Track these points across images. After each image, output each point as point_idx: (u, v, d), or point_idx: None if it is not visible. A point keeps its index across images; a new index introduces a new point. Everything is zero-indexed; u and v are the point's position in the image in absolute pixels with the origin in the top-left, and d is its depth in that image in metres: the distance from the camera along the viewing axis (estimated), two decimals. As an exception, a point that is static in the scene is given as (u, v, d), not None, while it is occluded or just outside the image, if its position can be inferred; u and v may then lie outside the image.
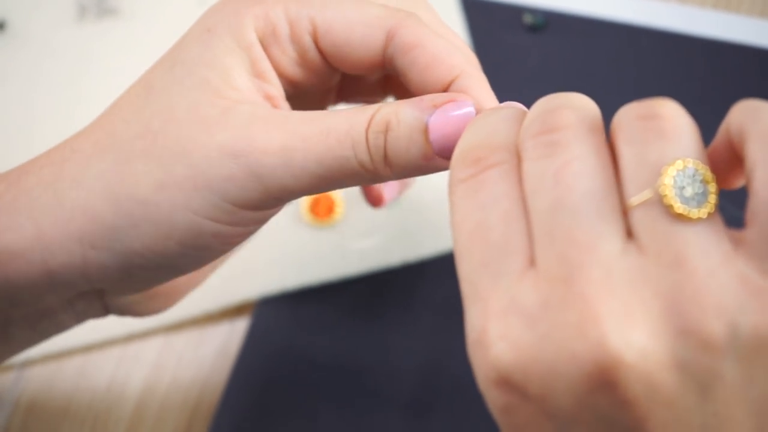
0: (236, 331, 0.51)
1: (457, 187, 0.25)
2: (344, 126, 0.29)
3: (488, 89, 0.31)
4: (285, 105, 0.32)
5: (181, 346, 0.51)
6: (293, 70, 0.32)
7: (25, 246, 0.30)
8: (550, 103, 0.26)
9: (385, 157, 0.30)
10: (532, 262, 0.24)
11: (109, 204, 0.30)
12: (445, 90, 0.31)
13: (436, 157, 0.30)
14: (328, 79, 0.34)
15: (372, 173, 0.30)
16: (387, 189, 0.37)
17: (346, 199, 0.51)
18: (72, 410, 0.50)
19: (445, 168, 0.30)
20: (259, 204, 0.30)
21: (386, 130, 0.29)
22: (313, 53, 0.32)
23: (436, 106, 0.29)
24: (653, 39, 0.56)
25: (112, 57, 0.55)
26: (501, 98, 0.54)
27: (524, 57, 0.56)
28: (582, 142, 0.24)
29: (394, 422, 0.47)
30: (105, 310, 0.36)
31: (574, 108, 0.25)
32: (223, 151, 0.29)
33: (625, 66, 0.55)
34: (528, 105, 0.30)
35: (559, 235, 0.23)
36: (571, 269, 0.22)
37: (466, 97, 0.30)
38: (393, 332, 0.49)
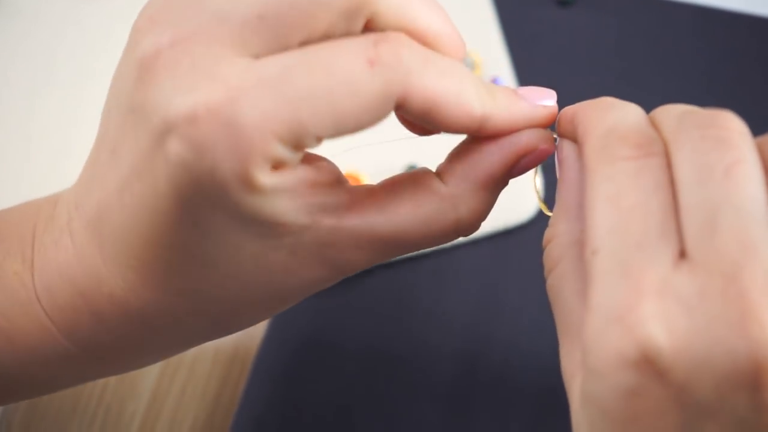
0: (258, 320, 0.48)
1: (619, 163, 0.25)
2: (427, 239, 0.29)
3: (520, 110, 0.29)
4: (320, 169, 0.28)
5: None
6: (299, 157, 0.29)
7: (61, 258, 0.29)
8: (692, 109, 0.26)
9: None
10: (682, 253, 0.24)
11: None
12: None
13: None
14: None
15: None
16: None
17: (371, 178, 0.49)
18: (81, 405, 0.47)
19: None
20: None
21: (482, 219, 0.29)
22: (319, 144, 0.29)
23: (511, 169, 0.29)
24: (687, 14, 0.54)
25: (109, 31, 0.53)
26: (530, 75, 0.52)
27: (553, 32, 0.54)
28: (750, 148, 0.24)
29: (431, 412, 0.45)
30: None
31: (736, 117, 0.25)
32: (310, 282, 0.28)
33: (657, 42, 0.54)
34: (558, 82, 0.30)
35: (723, 230, 0.23)
36: (733, 266, 0.22)
37: (526, 142, 0.29)
38: (425, 320, 0.47)
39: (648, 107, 0.29)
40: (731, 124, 0.24)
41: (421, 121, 0.27)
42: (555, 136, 0.30)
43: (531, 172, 0.30)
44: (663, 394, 0.23)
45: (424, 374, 0.46)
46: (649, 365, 0.22)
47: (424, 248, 0.29)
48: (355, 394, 0.46)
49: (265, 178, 0.25)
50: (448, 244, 0.48)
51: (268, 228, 0.26)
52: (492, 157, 0.29)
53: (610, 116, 0.26)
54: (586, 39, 0.54)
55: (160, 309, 0.28)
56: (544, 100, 0.29)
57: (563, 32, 0.54)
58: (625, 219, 0.24)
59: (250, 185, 0.25)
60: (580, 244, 0.27)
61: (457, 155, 0.29)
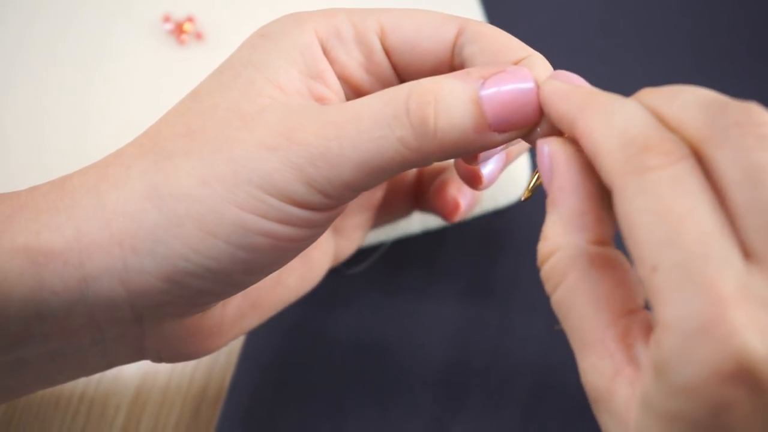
0: (243, 308, 0.47)
1: (647, 174, 0.24)
2: (377, 104, 0.29)
3: (549, 69, 0.30)
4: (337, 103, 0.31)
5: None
6: (359, 75, 0.32)
7: (63, 246, 0.29)
8: (718, 97, 0.25)
9: (435, 129, 0.28)
10: (748, 255, 0.23)
11: (150, 202, 0.29)
12: None
13: (489, 130, 0.29)
14: None
15: (417, 151, 0.29)
16: (486, 166, 0.35)
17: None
18: (63, 400, 0.46)
19: (495, 145, 0.29)
20: (307, 200, 0.29)
21: (434, 101, 0.28)
22: (379, 55, 0.32)
23: (484, 77, 0.29)
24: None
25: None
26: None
27: (537, 13, 0.53)
28: None
29: (422, 398, 0.44)
30: (139, 349, 0.33)
31: (764, 109, 0.24)
32: (261, 146, 0.29)
33: (642, 22, 0.54)
34: (552, 63, 0.30)
35: None
36: None
37: (517, 67, 0.29)
38: (416, 303, 0.46)
39: (633, 87, 0.28)
40: (763, 117, 0.24)
41: (473, 55, 0.30)
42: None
43: (523, 163, 0.30)
44: (758, 403, 0.22)
45: (414, 359, 0.45)
46: (747, 375, 0.22)
47: (375, 135, 0.28)
48: (345, 381, 0.45)
49: (313, 32, 0.31)
50: (436, 224, 0.47)
51: (266, 76, 0.30)
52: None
53: (616, 123, 0.25)
54: (570, 19, 0.53)
55: (129, 149, 0.31)
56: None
57: (546, 13, 0.53)
58: (678, 229, 0.23)
59: (299, 25, 0.31)
60: (588, 255, 0.26)
61: None
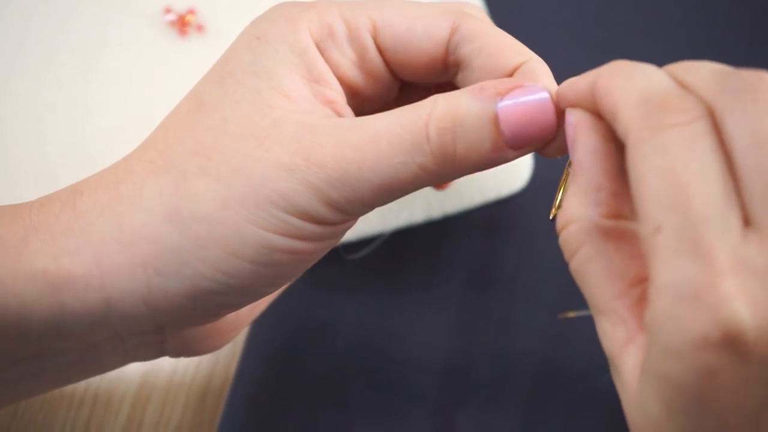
0: (247, 298, 0.47)
1: (662, 133, 0.24)
2: (395, 128, 0.28)
3: (551, 77, 0.30)
4: (347, 109, 0.31)
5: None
6: (353, 74, 0.32)
7: (84, 271, 0.28)
8: (728, 70, 0.25)
9: (454, 154, 0.28)
10: (747, 222, 0.23)
11: (171, 225, 0.28)
12: (510, 75, 0.30)
13: (506, 148, 0.29)
14: (387, 89, 0.33)
15: (435, 174, 0.29)
16: None
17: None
18: (68, 391, 0.46)
19: (508, 161, 0.29)
20: (326, 218, 0.29)
21: (453, 126, 0.28)
22: (372, 53, 0.31)
23: (500, 93, 0.28)
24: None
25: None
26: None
27: (535, 3, 0.53)
28: None
29: (426, 387, 0.44)
30: (160, 350, 0.33)
31: None
32: (279, 166, 0.28)
33: (639, 10, 0.53)
34: (540, 53, 0.31)
35: None
36: None
37: (532, 82, 0.29)
38: (419, 293, 0.46)
39: None
40: None
41: (470, 56, 0.30)
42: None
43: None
44: (744, 371, 0.22)
45: (418, 349, 0.45)
46: (732, 344, 0.22)
47: (394, 160, 0.28)
48: (349, 370, 0.45)
49: (308, 34, 0.30)
50: (439, 214, 0.47)
51: (272, 86, 0.29)
52: (492, 78, 0.30)
53: (636, 81, 0.26)
54: (569, 9, 0.53)
55: (137, 164, 0.30)
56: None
57: (546, 3, 0.53)
58: (686, 192, 0.23)
59: (293, 27, 0.30)
60: (603, 227, 0.27)
61: None
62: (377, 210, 0.46)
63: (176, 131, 0.30)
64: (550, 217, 0.32)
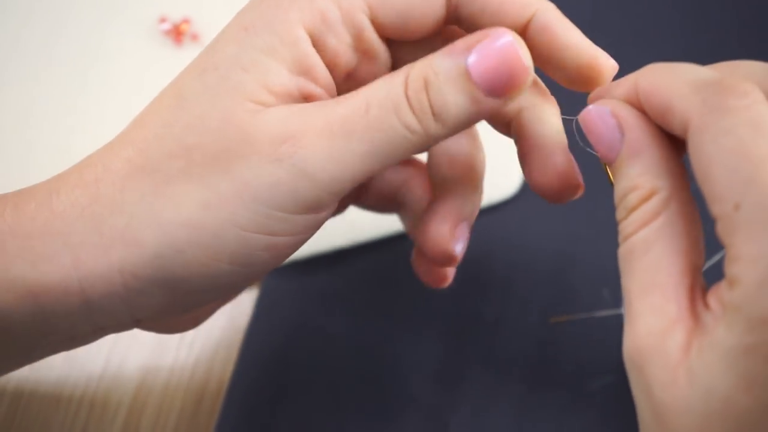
0: (243, 304, 0.48)
1: (727, 114, 0.24)
2: (381, 93, 0.28)
3: (569, 22, 0.30)
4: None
5: (183, 324, 0.48)
6: (349, 57, 0.31)
7: (63, 276, 0.28)
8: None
9: (433, 113, 0.28)
10: None
11: (151, 230, 0.28)
12: (524, 30, 0.30)
13: (485, 97, 0.28)
14: (383, 66, 0.32)
15: (423, 136, 0.29)
16: (457, 245, 0.35)
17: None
18: (64, 399, 0.46)
19: (496, 107, 0.29)
20: (313, 204, 0.29)
21: (426, 86, 0.28)
22: (369, 33, 0.30)
23: (470, 48, 0.28)
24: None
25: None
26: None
27: None
28: None
29: (420, 390, 0.45)
30: (134, 327, 0.34)
31: None
32: (265, 159, 0.28)
33: (633, 16, 0.54)
34: None
35: None
36: None
37: (496, 28, 0.29)
38: (412, 298, 0.47)
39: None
40: None
41: (473, 16, 0.29)
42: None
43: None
44: None
45: (412, 352, 0.46)
46: None
47: (382, 125, 0.28)
48: (343, 374, 0.45)
49: (300, 25, 0.28)
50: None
51: (256, 79, 0.28)
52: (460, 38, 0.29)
53: (684, 74, 0.26)
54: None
55: (117, 162, 0.29)
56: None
57: None
58: (761, 168, 0.24)
59: (282, 18, 0.28)
60: (678, 200, 0.27)
61: None
62: (370, 216, 0.47)
63: (155, 128, 0.29)
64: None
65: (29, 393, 0.46)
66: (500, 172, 0.48)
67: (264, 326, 0.46)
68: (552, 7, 0.30)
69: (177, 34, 0.52)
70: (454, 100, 0.28)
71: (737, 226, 0.24)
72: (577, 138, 0.30)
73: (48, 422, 0.46)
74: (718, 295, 0.25)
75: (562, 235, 0.48)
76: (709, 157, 0.24)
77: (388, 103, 0.28)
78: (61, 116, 0.50)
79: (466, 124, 0.29)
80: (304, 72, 0.29)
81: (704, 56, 0.53)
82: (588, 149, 0.30)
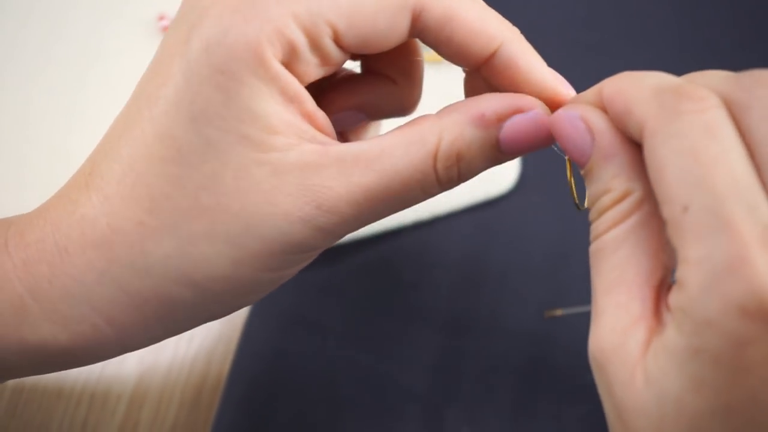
0: (241, 299, 0.48)
1: (680, 117, 0.25)
2: (405, 169, 0.29)
3: (534, 52, 0.31)
4: (324, 120, 0.30)
5: (182, 318, 0.48)
6: (317, 73, 0.30)
7: (97, 334, 0.29)
8: (731, 73, 0.26)
9: (459, 179, 0.30)
10: None
11: (185, 288, 0.29)
12: (488, 60, 0.30)
13: (502, 157, 0.30)
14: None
15: (436, 194, 0.30)
16: None
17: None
18: (66, 390, 0.47)
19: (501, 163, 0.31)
20: (331, 244, 0.31)
21: (458, 159, 0.29)
22: (335, 54, 0.30)
23: (501, 119, 0.29)
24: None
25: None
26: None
27: (523, 6, 0.54)
28: None
29: (418, 384, 0.45)
30: None
31: None
32: (291, 218, 0.28)
33: (631, 13, 0.54)
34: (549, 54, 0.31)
35: None
36: None
37: (528, 100, 0.30)
38: (409, 292, 0.47)
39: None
40: None
41: (440, 43, 0.29)
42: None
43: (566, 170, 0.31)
44: None
45: (409, 347, 0.46)
46: (763, 314, 0.23)
47: (406, 195, 0.29)
48: (341, 368, 0.46)
49: (274, 58, 0.27)
50: (428, 214, 0.48)
51: (258, 128, 0.28)
52: (489, 98, 0.30)
53: (647, 80, 0.26)
54: (556, 13, 0.54)
55: (127, 225, 0.29)
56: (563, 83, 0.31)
57: (533, 8, 0.54)
58: (710, 171, 0.24)
59: (258, 57, 0.27)
60: (650, 201, 0.27)
61: (458, 101, 0.30)
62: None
63: (161, 187, 0.28)
64: (582, 208, 0.31)
65: (30, 387, 0.47)
66: (497, 168, 0.48)
67: (262, 321, 0.47)
68: (517, 38, 0.30)
69: (176, 31, 0.52)
70: (482, 167, 0.30)
71: (685, 229, 0.24)
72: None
73: (49, 416, 0.46)
74: (672, 296, 0.25)
75: (557, 230, 0.48)
76: (661, 159, 0.25)
77: (413, 180, 0.29)
78: (59, 115, 0.50)
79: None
80: (291, 100, 0.29)
81: (697, 53, 0.53)
82: (560, 152, 0.30)
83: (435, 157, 0.29)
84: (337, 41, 0.29)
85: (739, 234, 0.23)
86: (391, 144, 0.29)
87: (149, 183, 0.28)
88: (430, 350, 0.46)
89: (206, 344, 0.48)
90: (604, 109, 0.28)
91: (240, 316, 0.48)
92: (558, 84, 0.31)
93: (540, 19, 0.54)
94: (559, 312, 0.46)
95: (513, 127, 0.29)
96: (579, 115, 0.28)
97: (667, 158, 0.24)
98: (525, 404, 0.45)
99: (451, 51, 0.30)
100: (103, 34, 0.52)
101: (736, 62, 0.53)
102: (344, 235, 0.30)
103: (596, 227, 0.28)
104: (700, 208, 0.24)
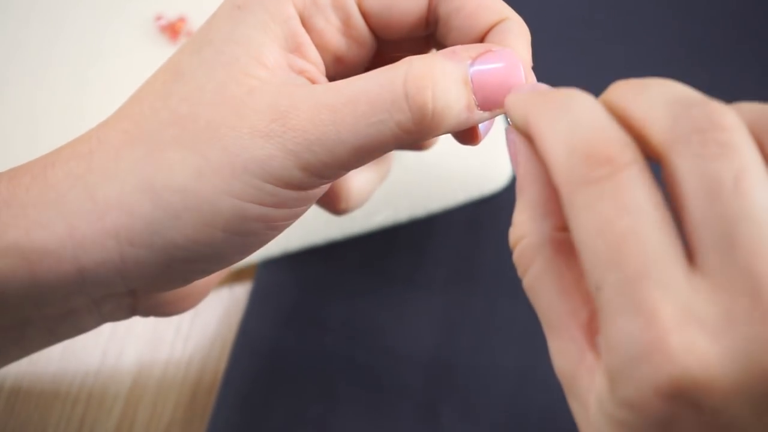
0: (237, 297, 0.48)
1: (589, 188, 0.23)
2: (373, 88, 0.28)
3: (525, 37, 0.30)
4: (322, 79, 0.31)
5: (178, 317, 0.48)
6: (337, 41, 0.31)
7: (57, 243, 0.28)
8: (685, 96, 0.24)
9: (431, 111, 0.28)
10: (692, 260, 0.23)
11: (145, 196, 0.28)
12: (483, 38, 0.31)
13: (477, 108, 0.29)
14: (369, 53, 0.33)
15: (413, 133, 0.29)
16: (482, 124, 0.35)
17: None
18: (63, 389, 0.47)
19: (479, 122, 0.30)
20: (302, 183, 0.29)
21: (432, 84, 0.28)
22: (357, 19, 0.31)
23: (472, 57, 0.29)
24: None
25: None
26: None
27: (519, 5, 0.54)
28: (751, 147, 0.23)
29: (412, 380, 0.45)
30: (132, 312, 0.34)
31: (729, 109, 0.24)
32: (255, 134, 0.28)
33: (626, 12, 0.54)
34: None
35: (743, 246, 0.22)
36: (758, 283, 0.22)
37: (502, 48, 0.29)
38: (405, 289, 0.47)
39: (613, 79, 0.27)
40: (727, 121, 0.23)
41: (449, 12, 0.30)
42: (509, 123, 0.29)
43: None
44: (697, 420, 0.22)
45: (404, 344, 0.46)
46: (682, 396, 0.22)
47: (376, 123, 0.28)
48: (337, 366, 0.46)
49: (291, 2, 0.29)
50: (423, 211, 0.48)
51: (251, 54, 0.29)
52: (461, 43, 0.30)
53: (564, 125, 0.25)
54: (551, 12, 0.54)
55: (111, 133, 0.29)
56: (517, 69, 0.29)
57: (528, 6, 0.54)
58: (620, 248, 0.22)
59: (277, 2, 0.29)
60: (553, 242, 0.26)
61: None
62: (362, 208, 0.47)
63: (152, 101, 0.29)
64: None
65: (27, 386, 0.47)
66: (490, 164, 0.49)
67: (258, 318, 0.47)
68: (518, 24, 0.30)
69: (173, 32, 0.52)
70: (456, 103, 0.28)
71: (600, 308, 0.23)
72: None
73: (46, 415, 0.46)
74: (599, 353, 0.24)
75: (553, 227, 0.48)
76: (575, 233, 0.24)
77: (382, 100, 0.28)
78: (57, 115, 0.51)
79: (453, 130, 0.30)
80: (295, 49, 0.30)
81: (690, 52, 0.53)
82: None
83: (404, 78, 0.28)
84: (360, 5, 0.30)
85: (652, 317, 0.22)
86: (364, 76, 0.29)
87: (142, 99, 0.30)
88: (425, 346, 0.46)
89: (203, 343, 0.48)
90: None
91: (236, 314, 0.48)
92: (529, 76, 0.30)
93: (536, 18, 0.54)
94: (554, 307, 0.46)
95: (482, 63, 0.29)
96: (511, 138, 0.28)
97: (579, 233, 0.23)
98: (520, 400, 0.45)
99: (461, 22, 0.30)
100: (100, 34, 0.53)
101: (730, 61, 0.53)
102: (314, 180, 0.29)
103: (517, 266, 0.27)
104: (612, 288, 0.23)
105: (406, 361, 0.45)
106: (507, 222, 0.49)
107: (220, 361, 0.47)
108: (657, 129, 0.24)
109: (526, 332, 0.46)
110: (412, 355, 0.46)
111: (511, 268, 0.48)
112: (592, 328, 0.25)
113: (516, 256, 0.27)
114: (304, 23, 0.30)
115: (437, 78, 0.28)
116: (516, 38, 0.30)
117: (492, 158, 0.49)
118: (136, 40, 0.52)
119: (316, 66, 0.31)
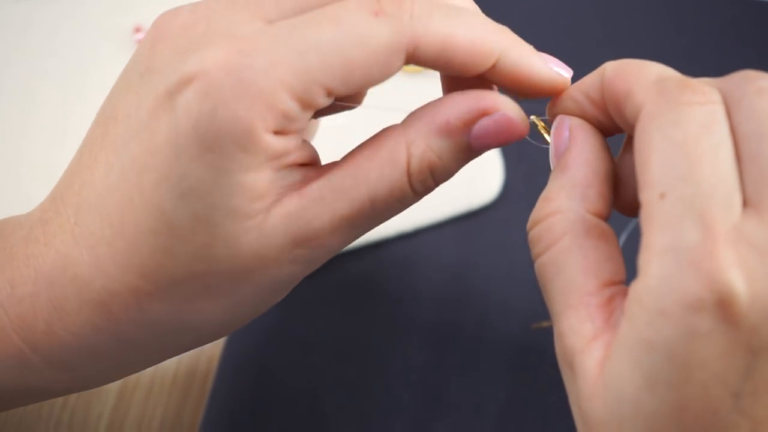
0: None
1: (685, 108, 0.25)
2: (384, 190, 0.28)
3: (530, 52, 0.30)
4: (309, 151, 0.29)
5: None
6: (308, 119, 0.29)
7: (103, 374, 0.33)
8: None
9: (434, 185, 0.30)
10: (746, 203, 0.24)
11: (188, 335, 0.31)
12: (488, 70, 0.30)
13: (473, 154, 0.30)
14: None
15: (417, 201, 0.30)
16: None
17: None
18: (45, 410, 0.46)
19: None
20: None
21: (432, 172, 0.29)
22: (329, 102, 0.28)
23: (468, 125, 0.29)
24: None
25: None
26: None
27: (507, 13, 0.54)
28: None
29: (403, 398, 0.45)
30: None
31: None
32: (282, 264, 0.29)
33: (614, 20, 0.54)
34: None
35: None
36: None
37: (492, 100, 0.29)
38: (393, 305, 0.47)
39: None
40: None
41: (438, 67, 0.29)
42: (533, 118, 0.30)
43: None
44: (732, 338, 0.23)
45: (393, 361, 0.46)
46: (724, 310, 0.23)
47: (386, 212, 0.29)
48: (325, 383, 0.45)
49: (264, 132, 0.26)
50: (411, 225, 0.48)
51: (246, 198, 0.27)
52: (451, 103, 0.29)
53: (651, 67, 0.27)
54: (541, 20, 0.54)
55: (123, 289, 0.29)
56: (559, 67, 0.30)
57: (517, 14, 0.54)
58: (696, 165, 0.24)
59: (249, 134, 0.26)
60: (585, 222, 0.27)
61: (423, 106, 0.30)
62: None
63: (154, 257, 0.28)
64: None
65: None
66: (478, 178, 0.48)
67: (244, 336, 0.46)
68: (512, 44, 0.29)
69: (153, 43, 0.52)
70: (456, 169, 0.30)
71: (657, 216, 0.24)
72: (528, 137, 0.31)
73: (37, 404, 0.46)
74: (631, 288, 0.25)
75: (541, 240, 0.48)
76: (652, 144, 0.25)
77: (393, 198, 0.29)
78: (36, 127, 0.50)
79: None
80: (280, 156, 0.28)
81: (678, 60, 0.53)
82: (540, 144, 0.31)
83: (408, 174, 0.28)
84: (330, 95, 0.27)
85: (712, 228, 0.24)
86: (364, 168, 0.28)
87: (141, 253, 0.28)
88: (416, 363, 0.46)
89: (187, 361, 0.47)
90: (599, 92, 0.29)
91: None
92: (556, 78, 0.30)
93: (524, 26, 0.54)
94: (546, 323, 0.46)
95: (481, 130, 0.29)
96: (569, 125, 0.30)
97: (657, 143, 0.25)
98: (513, 416, 0.44)
99: (450, 72, 0.29)
100: (78, 46, 0.52)
101: (718, 68, 0.53)
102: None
103: (533, 245, 0.28)
104: (679, 198, 0.24)
105: (397, 379, 0.45)
106: (496, 236, 0.49)
107: (205, 379, 0.47)
108: (715, 83, 0.27)
109: (518, 348, 0.46)
110: (402, 373, 0.45)
111: (501, 283, 0.48)
112: (609, 309, 0.26)
113: (540, 231, 0.28)
114: (279, 133, 0.28)
115: (435, 164, 0.29)
116: (523, 64, 0.29)
117: (480, 172, 0.49)
118: (113, 52, 0.52)
119: (296, 145, 0.28)
